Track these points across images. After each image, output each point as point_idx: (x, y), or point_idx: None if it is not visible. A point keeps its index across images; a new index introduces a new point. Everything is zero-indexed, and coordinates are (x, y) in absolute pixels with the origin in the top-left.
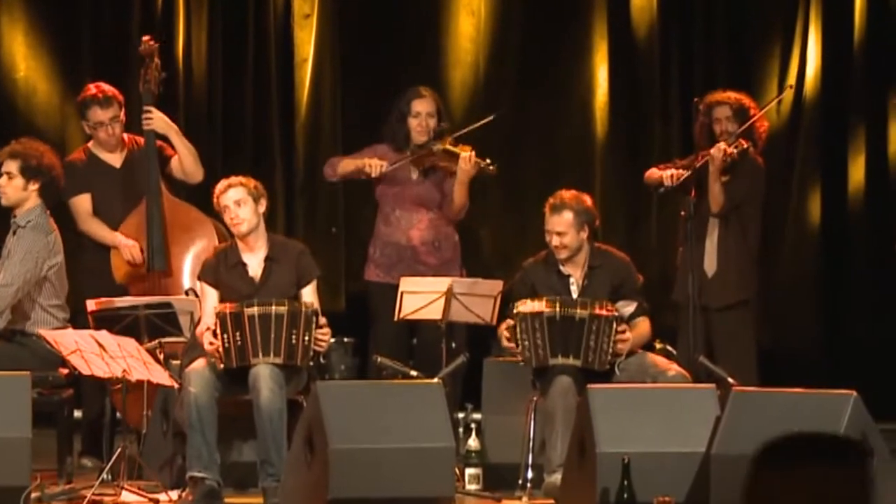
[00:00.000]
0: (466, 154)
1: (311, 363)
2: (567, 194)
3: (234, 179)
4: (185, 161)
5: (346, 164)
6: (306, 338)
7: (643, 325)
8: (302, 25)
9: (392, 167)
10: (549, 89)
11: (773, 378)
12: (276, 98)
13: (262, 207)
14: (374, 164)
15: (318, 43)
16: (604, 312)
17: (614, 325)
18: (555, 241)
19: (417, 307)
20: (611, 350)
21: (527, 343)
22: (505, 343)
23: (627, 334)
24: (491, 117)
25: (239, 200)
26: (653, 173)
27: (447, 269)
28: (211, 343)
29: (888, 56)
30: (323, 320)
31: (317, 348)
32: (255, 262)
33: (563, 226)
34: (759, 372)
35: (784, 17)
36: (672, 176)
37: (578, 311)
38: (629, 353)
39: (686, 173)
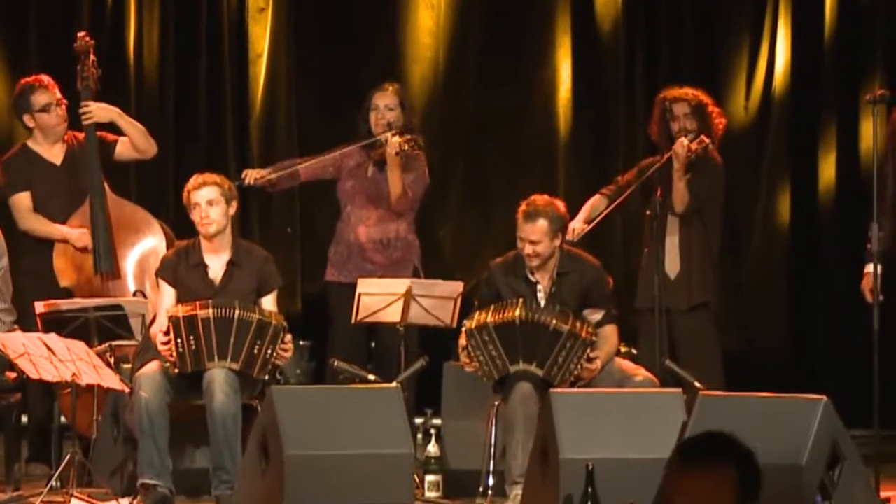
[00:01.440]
0: (392, 139)
1: (266, 377)
2: (541, 200)
3: (208, 177)
4: (136, 140)
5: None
6: (269, 351)
7: (611, 338)
8: (256, 20)
9: (273, 175)
10: (510, 86)
11: (739, 382)
12: (229, 95)
13: (233, 210)
14: (249, 173)
15: (272, 38)
16: (583, 334)
17: (587, 351)
18: (528, 249)
19: (375, 309)
20: (576, 372)
21: (482, 358)
22: (468, 368)
23: (597, 364)
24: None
25: (212, 200)
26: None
27: (397, 269)
28: (163, 344)
29: (859, 51)
30: (288, 336)
31: (276, 363)
32: (217, 265)
33: (537, 234)
34: (726, 376)
35: (752, 11)
36: (573, 231)
37: (554, 321)
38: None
39: (588, 227)
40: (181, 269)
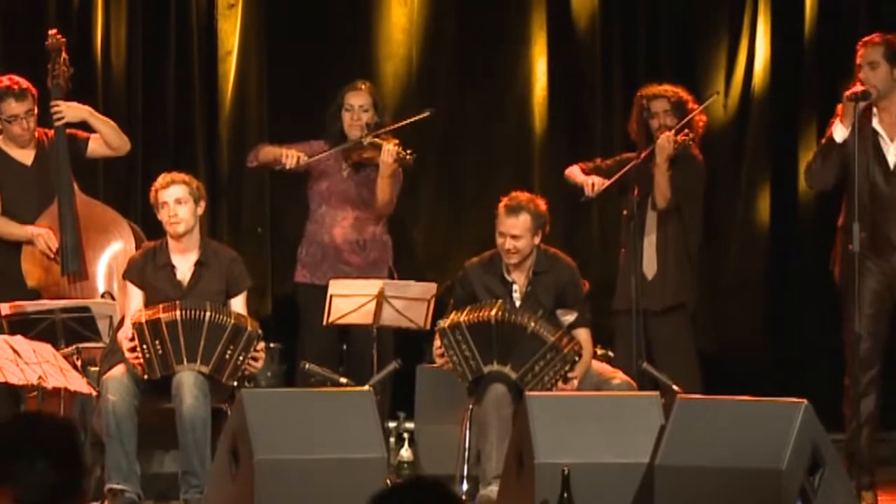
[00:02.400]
0: (388, 146)
1: (235, 384)
2: (523, 196)
3: (176, 175)
4: (109, 137)
5: (267, 152)
6: (241, 357)
7: (587, 345)
8: (226, 16)
9: (309, 161)
10: (485, 83)
11: (717, 385)
12: (199, 93)
13: (201, 210)
14: (291, 154)
15: (242, 34)
16: (566, 349)
17: (566, 368)
18: (508, 244)
19: (347, 311)
20: (549, 385)
21: (455, 358)
22: (440, 364)
23: (573, 384)
24: (426, 113)
25: (180, 199)
26: (574, 174)
27: (373, 271)
28: (129, 351)
29: (840, 48)
30: (261, 345)
31: (246, 370)
32: (184, 266)
33: (518, 229)
34: (703, 379)
35: (731, 7)
36: (594, 185)
37: (533, 324)
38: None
39: (608, 182)
40: (148, 271)
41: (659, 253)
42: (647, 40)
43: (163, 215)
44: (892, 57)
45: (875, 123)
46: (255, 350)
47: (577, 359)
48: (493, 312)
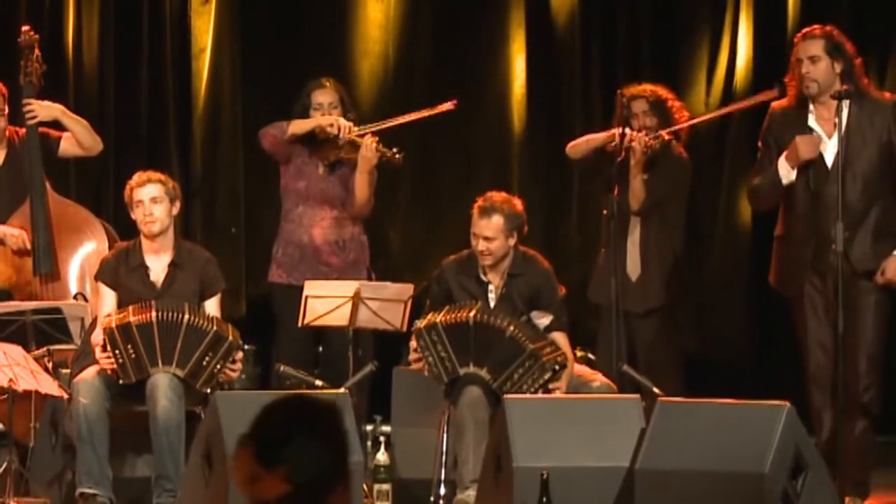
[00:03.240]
0: (369, 141)
1: (209, 391)
2: (498, 197)
3: (152, 174)
4: (81, 137)
5: (301, 124)
6: (218, 366)
7: (565, 349)
8: (199, 13)
9: (355, 133)
10: (463, 81)
11: (700, 388)
12: (171, 90)
13: (176, 210)
14: (343, 125)
15: (216, 32)
16: (546, 357)
17: (545, 377)
18: (481, 245)
19: (323, 312)
20: (528, 392)
21: (430, 359)
22: (416, 367)
23: (557, 395)
24: (449, 105)
25: (156, 198)
26: (578, 143)
27: (352, 271)
28: (102, 358)
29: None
30: (239, 354)
31: (222, 378)
32: (158, 266)
33: (492, 231)
34: (686, 381)
35: (713, 4)
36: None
37: (512, 328)
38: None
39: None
40: (121, 272)
41: (643, 254)
42: (627, 38)
43: (137, 214)
44: (834, 50)
45: (812, 122)
46: (234, 360)
47: (557, 367)
48: (471, 314)
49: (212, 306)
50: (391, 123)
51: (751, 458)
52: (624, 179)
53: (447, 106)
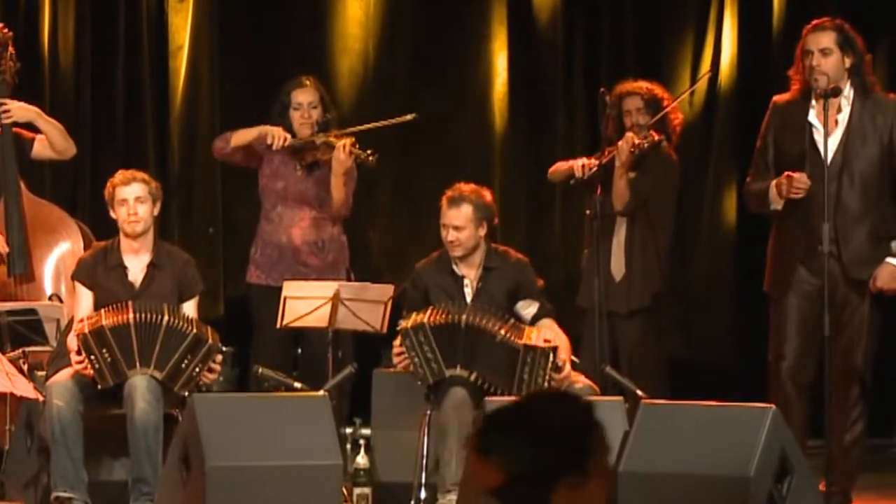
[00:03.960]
0: (342, 143)
1: (186, 394)
2: (466, 187)
3: (136, 173)
4: (55, 140)
5: (244, 134)
6: (197, 369)
7: (559, 333)
8: (177, 10)
9: (292, 142)
10: (444, 79)
11: (684, 390)
12: (149, 89)
13: (157, 210)
14: (277, 133)
15: (194, 29)
16: (539, 344)
17: (552, 360)
18: (451, 235)
19: (302, 314)
20: (545, 386)
21: (416, 360)
22: (400, 367)
23: (567, 369)
24: (409, 117)
25: (140, 197)
26: (559, 166)
27: (331, 272)
28: (78, 363)
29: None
30: (219, 358)
31: (201, 381)
32: (136, 267)
33: (460, 220)
34: (670, 383)
35: (698, 1)
36: (584, 166)
37: (503, 332)
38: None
39: (601, 161)
40: (99, 271)
41: (627, 253)
42: (610, 35)
43: (120, 213)
44: (845, 44)
45: (812, 117)
46: (213, 363)
47: (553, 353)
48: (462, 315)
49: (189, 308)
50: (348, 131)
51: (736, 461)
52: (608, 179)
53: (407, 117)
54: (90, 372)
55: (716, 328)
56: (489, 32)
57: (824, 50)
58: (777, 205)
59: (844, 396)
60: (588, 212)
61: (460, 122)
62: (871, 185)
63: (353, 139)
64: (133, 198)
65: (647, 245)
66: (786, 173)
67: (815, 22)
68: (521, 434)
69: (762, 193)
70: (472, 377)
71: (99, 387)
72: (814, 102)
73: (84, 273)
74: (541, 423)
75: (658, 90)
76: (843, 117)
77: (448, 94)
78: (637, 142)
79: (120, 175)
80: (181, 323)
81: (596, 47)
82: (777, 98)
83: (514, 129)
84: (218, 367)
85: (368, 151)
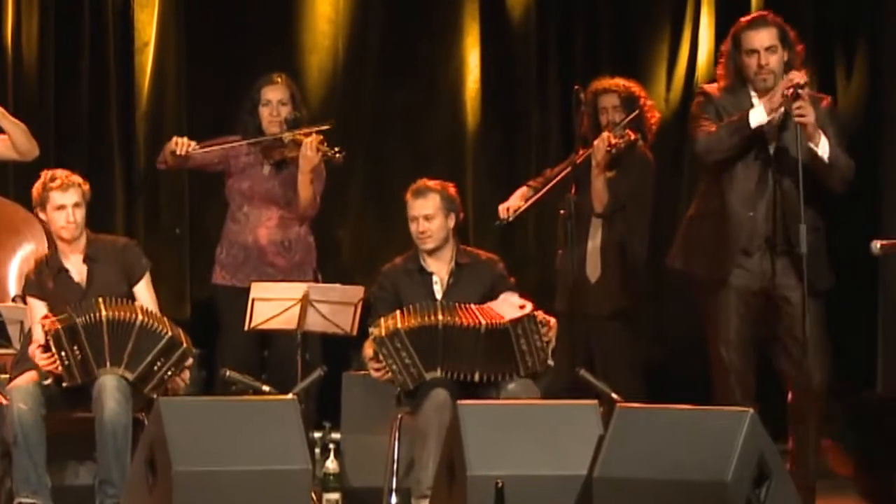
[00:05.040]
0: (310, 140)
1: (155, 396)
2: (430, 181)
3: (72, 177)
4: (18, 140)
5: (163, 154)
6: (168, 372)
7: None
8: (143, 6)
9: (204, 150)
10: (415, 76)
11: (660, 393)
12: (114, 86)
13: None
14: (181, 142)
15: (160, 25)
16: (518, 314)
17: (535, 320)
18: (421, 226)
19: (270, 316)
20: (547, 349)
21: (395, 367)
22: (374, 374)
23: (553, 320)
24: (326, 126)
25: (78, 203)
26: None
27: (298, 273)
28: (45, 360)
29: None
30: (190, 361)
31: (170, 386)
32: (76, 267)
33: (429, 208)
34: (646, 387)
35: None
36: (509, 209)
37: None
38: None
39: (525, 205)
40: (46, 282)
41: (604, 255)
42: (585, 31)
43: (57, 219)
44: (784, 39)
45: (755, 101)
46: (185, 367)
47: (540, 319)
48: (438, 317)
49: (142, 289)
50: (265, 139)
51: (713, 465)
52: (583, 179)
53: (325, 126)
54: (57, 368)
55: (692, 331)
56: (461, 29)
57: (770, 48)
58: (761, 117)
59: (802, 392)
60: (562, 212)
61: (432, 120)
62: (805, 178)
63: (321, 136)
64: (72, 204)
65: (624, 247)
66: (789, 75)
67: (750, 18)
68: (868, 428)
69: (733, 123)
70: (477, 377)
71: (64, 384)
72: (754, 94)
73: (34, 287)
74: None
75: (634, 88)
76: (783, 110)
77: (419, 91)
78: (614, 141)
79: (52, 179)
80: (157, 324)
81: (570, 44)
82: (708, 87)
83: (486, 128)
84: (188, 374)
85: (336, 149)
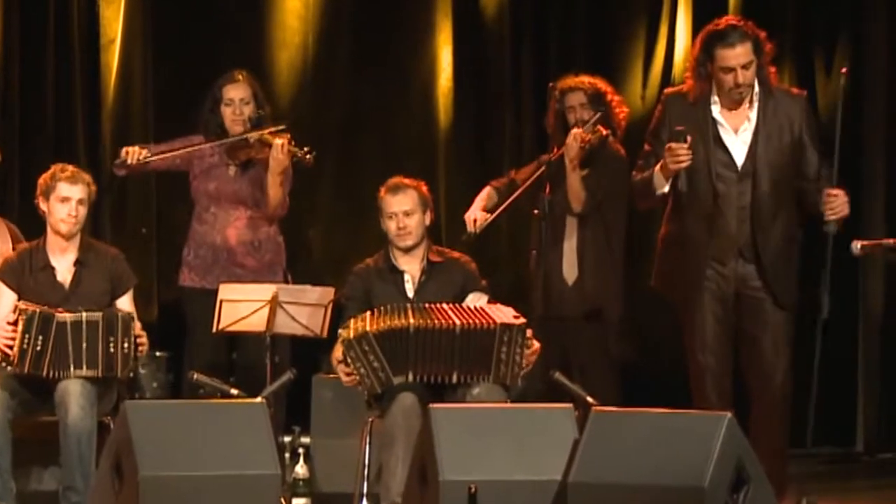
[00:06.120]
0: (280, 142)
1: (131, 374)
2: (404, 179)
3: (82, 174)
4: None
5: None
6: (125, 345)
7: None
8: (108, 2)
9: (158, 157)
10: (386, 74)
11: (636, 397)
12: (79, 84)
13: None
14: (131, 151)
15: (126, 21)
16: (512, 321)
17: (525, 334)
18: (401, 222)
19: (238, 317)
20: (524, 363)
21: (362, 370)
22: (343, 378)
23: (536, 345)
24: (281, 126)
25: (83, 200)
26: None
27: (268, 274)
28: (5, 334)
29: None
30: (137, 325)
31: (136, 355)
32: (64, 267)
33: (409, 204)
34: (622, 390)
35: None
36: (475, 221)
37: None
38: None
39: (492, 216)
40: (26, 274)
41: (580, 255)
42: (559, 28)
43: (59, 210)
44: (758, 49)
45: (716, 113)
46: (135, 334)
47: (524, 321)
48: (410, 320)
49: (125, 303)
50: (229, 140)
51: (690, 470)
52: (557, 179)
53: (280, 126)
54: (13, 349)
55: (669, 334)
56: (433, 26)
57: (747, 64)
58: (662, 188)
59: (766, 400)
60: (536, 212)
61: (404, 119)
62: (780, 184)
63: (289, 136)
64: (76, 199)
65: (600, 247)
66: (667, 146)
67: (723, 29)
68: None
69: (646, 181)
70: (455, 378)
71: (9, 368)
72: (716, 98)
73: (9, 274)
74: None
75: (601, 84)
76: (752, 115)
77: (391, 89)
78: (587, 137)
79: (64, 170)
80: (91, 312)
81: (544, 41)
82: (670, 91)
83: (459, 126)
84: (143, 334)
85: (305, 149)
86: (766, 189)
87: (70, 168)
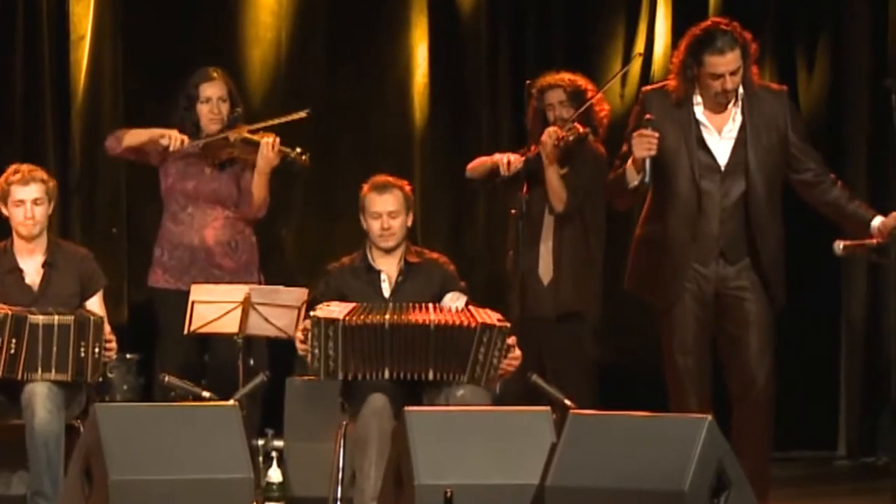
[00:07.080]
0: (269, 140)
1: (101, 378)
2: (389, 177)
3: (35, 172)
4: None
5: (136, 134)
6: (96, 349)
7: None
8: None
9: (192, 145)
10: (361, 70)
11: (615, 400)
12: (48, 81)
13: (51, 209)
14: (173, 135)
15: (96, 18)
16: (495, 322)
17: (506, 339)
18: (385, 222)
19: (210, 319)
20: (500, 367)
21: (316, 352)
22: (299, 346)
23: (517, 352)
24: (302, 113)
25: (38, 199)
26: (481, 162)
27: (245, 274)
28: None
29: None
30: (107, 328)
31: (105, 360)
32: (32, 268)
33: (395, 204)
34: (600, 392)
35: None
36: (509, 162)
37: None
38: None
39: (523, 159)
40: None
41: (556, 255)
42: (537, 24)
43: (15, 214)
44: (745, 52)
45: (700, 114)
46: (106, 337)
47: (508, 326)
48: (386, 317)
49: (95, 305)
50: (214, 138)
51: (669, 474)
52: (535, 177)
53: (300, 114)
54: None
55: (648, 335)
56: (409, 22)
57: (735, 70)
58: (634, 181)
59: (749, 402)
60: (513, 211)
61: (379, 116)
62: (775, 184)
63: (276, 136)
64: (31, 200)
65: (578, 247)
66: (637, 132)
67: (712, 33)
68: None
69: (619, 177)
70: (432, 376)
71: None
72: (699, 100)
73: None
74: None
75: (581, 81)
76: (737, 116)
77: (366, 86)
78: (561, 135)
79: (15, 172)
80: (63, 315)
81: (522, 38)
82: (648, 89)
83: (435, 123)
84: (112, 338)
85: (298, 150)
86: (762, 190)
87: (23, 168)
